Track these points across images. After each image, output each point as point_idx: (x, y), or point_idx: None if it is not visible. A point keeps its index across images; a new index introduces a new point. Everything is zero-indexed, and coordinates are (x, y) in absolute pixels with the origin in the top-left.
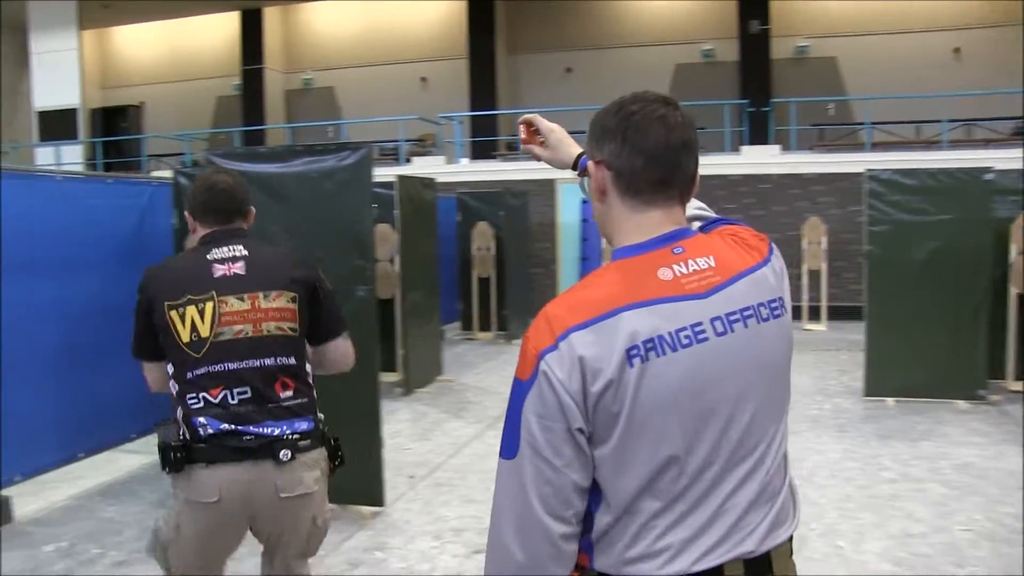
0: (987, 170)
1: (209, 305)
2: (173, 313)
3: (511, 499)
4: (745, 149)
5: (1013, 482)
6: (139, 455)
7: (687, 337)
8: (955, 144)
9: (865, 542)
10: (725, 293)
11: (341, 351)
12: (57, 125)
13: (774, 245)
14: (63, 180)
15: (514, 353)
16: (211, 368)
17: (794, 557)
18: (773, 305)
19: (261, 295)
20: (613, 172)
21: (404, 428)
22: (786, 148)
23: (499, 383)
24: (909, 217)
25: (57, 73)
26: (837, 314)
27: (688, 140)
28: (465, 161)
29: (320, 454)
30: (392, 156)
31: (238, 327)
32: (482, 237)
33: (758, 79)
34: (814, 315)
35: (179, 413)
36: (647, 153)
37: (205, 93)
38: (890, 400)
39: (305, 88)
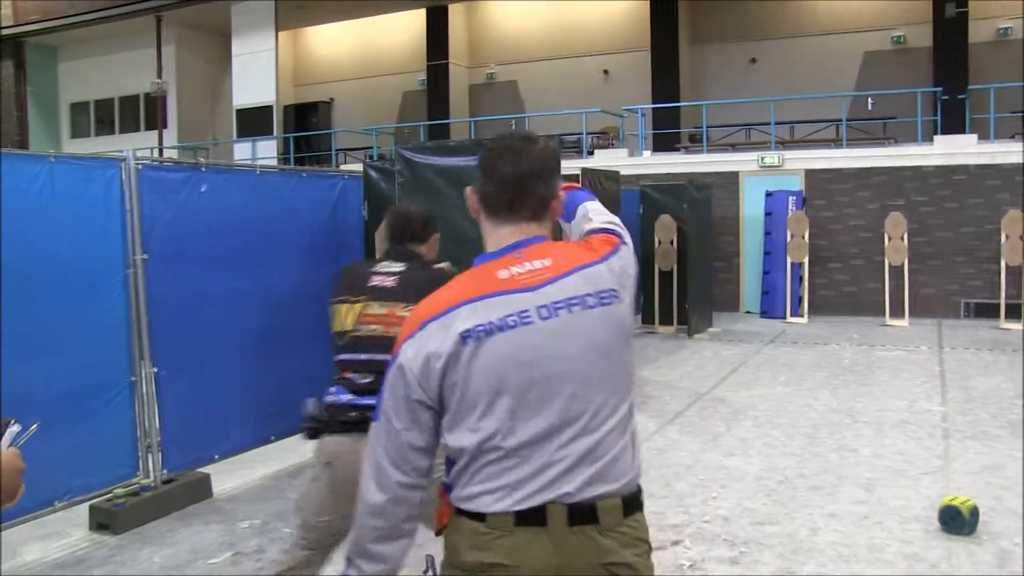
0: None
1: (358, 307)
2: (333, 307)
3: (371, 452)
4: (939, 139)
5: None
6: None
7: (513, 321)
8: None
9: None
10: (555, 285)
11: None
12: (254, 122)
13: (624, 247)
14: (261, 174)
15: (695, 348)
16: (348, 356)
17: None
18: (603, 295)
19: (401, 306)
20: (479, 197)
21: None
22: (983, 137)
23: (680, 378)
24: None
25: (255, 73)
26: None
27: (536, 169)
28: (647, 153)
29: None
30: (575, 149)
31: (373, 327)
32: (665, 230)
33: (953, 65)
34: (1013, 313)
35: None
36: (498, 181)
37: (391, 88)
38: None
39: (489, 82)
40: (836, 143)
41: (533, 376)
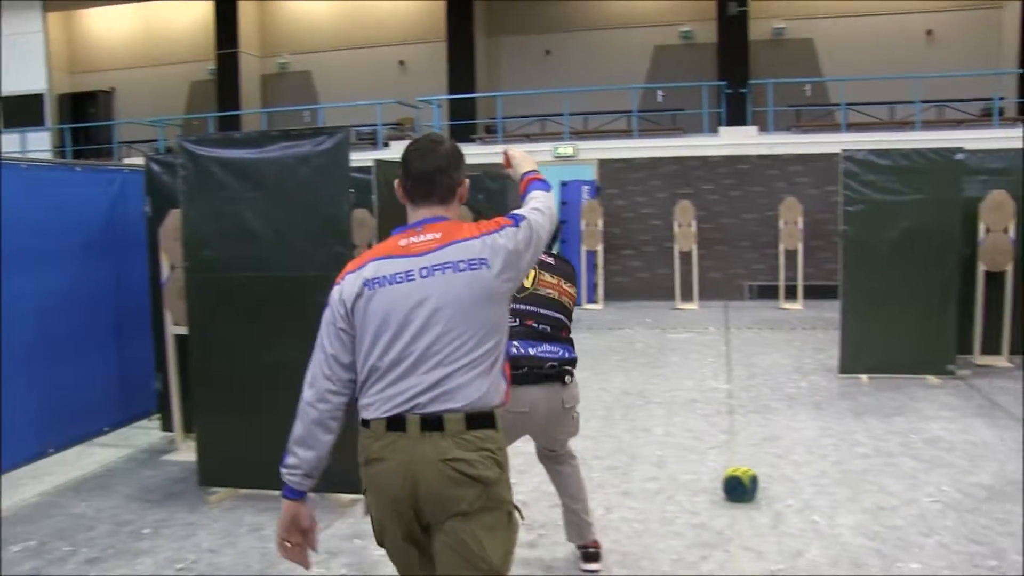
0: (958, 150)
1: (534, 272)
2: None
3: (310, 365)
4: (723, 130)
5: (979, 453)
6: (113, 448)
7: (400, 278)
8: (927, 125)
9: (839, 516)
10: (437, 253)
11: None
12: (23, 111)
13: (510, 228)
14: (28, 168)
15: None
16: (526, 307)
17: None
18: (472, 262)
19: (562, 280)
20: (401, 186)
21: None
22: (764, 129)
23: None
24: (883, 197)
25: (21, 56)
26: (813, 293)
27: (442, 166)
28: None
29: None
30: (370, 141)
31: (549, 290)
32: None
33: (736, 60)
34: (790, 294)
35: None
36: (412, 176)
37: (178, 78)
38: (864, 377)
39: (281, 72)
40: (628, 134)
41: (408, 318)
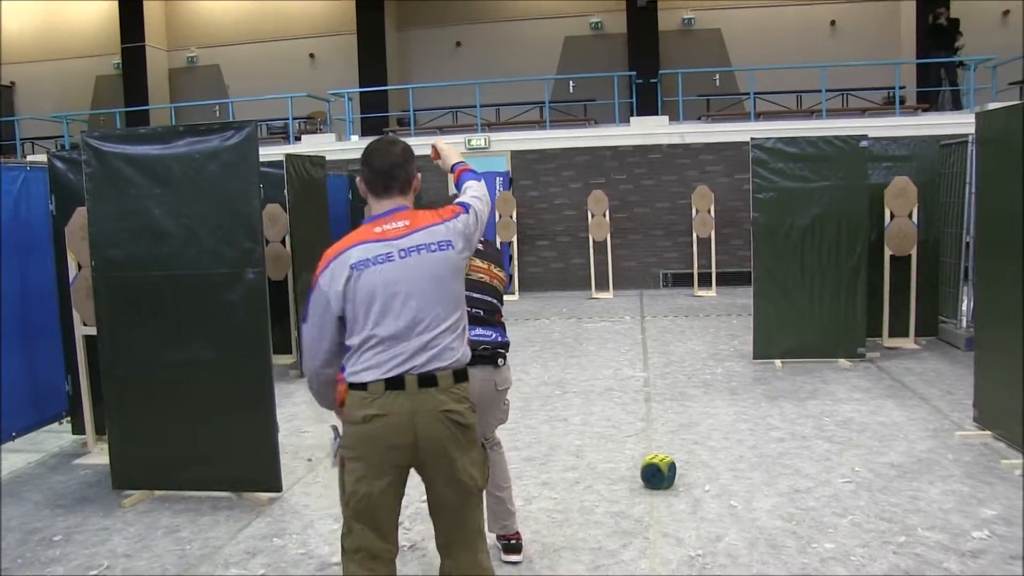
0: (862, 138)
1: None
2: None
3: (304, 342)
4: (635, 120)
5: (889, 433)
6: (23, 453)
7: (381, 259)
8: (833, 113)
9: (756, 500)
10: (410, 237)
11: None
12: None
13: (464, 215)
14: None
15: None
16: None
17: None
18: (441, 243)
19: (492, 264)
20: (363, 181)
21: (301, 411)
22: (674, 119)
23: None
24: (792, 184)
25: None
26: (727, 280)
27: (397, 162)
28: (355, 138)
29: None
30: (282, 135)
31: (480, 274)
32: None
33: (646, 51)
34: (704, 282)
35: None
36: (374, 171)
37: (83, 72)
38: (778, 362)
39: (190, 66)
40: (540, 125)
41: (394, 292)
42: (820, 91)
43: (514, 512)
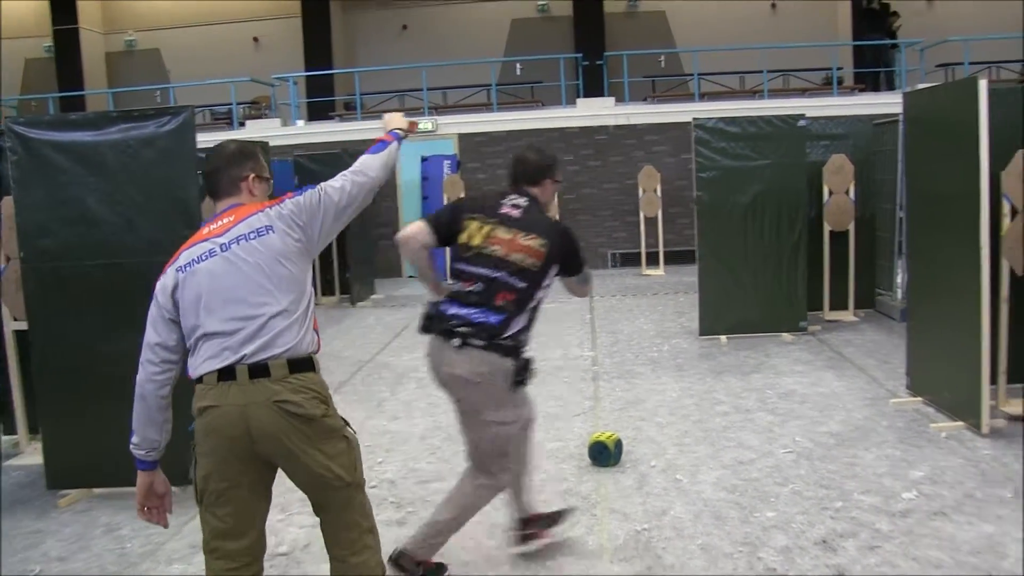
0: (800, 116)
1: (487, 228)
2: (466, 222)
3: (143, 344)
4: (581, 102)
5: (828, 403)
6: None
7: (203, 257)
8: (774, 93)
9: (701, 473)
10: (231, 231)
11: (572, 285)
12: None
13: (289, 201)
14: None
15: (359, 317)
16: (466, 267)
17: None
18: (260, 230)
19: (522, 235)
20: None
21: None
22: (620, 100)
23: (344, 347)
24: (733, 163)
25: None
26: (674, 259)
27: (217, 167)
28: (301, 123)
29: (493, 359)
30: (225, 120)
31: (495, 247)
32: None
33: (592, 33)
34: (652, 261)
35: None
36: (204, 177)
37: (11, 55)
38: (723, 337)
39: (128, 50)
40: (487, 107)
41: (218, 285)
42: (762, 72)
43: (430, 542)
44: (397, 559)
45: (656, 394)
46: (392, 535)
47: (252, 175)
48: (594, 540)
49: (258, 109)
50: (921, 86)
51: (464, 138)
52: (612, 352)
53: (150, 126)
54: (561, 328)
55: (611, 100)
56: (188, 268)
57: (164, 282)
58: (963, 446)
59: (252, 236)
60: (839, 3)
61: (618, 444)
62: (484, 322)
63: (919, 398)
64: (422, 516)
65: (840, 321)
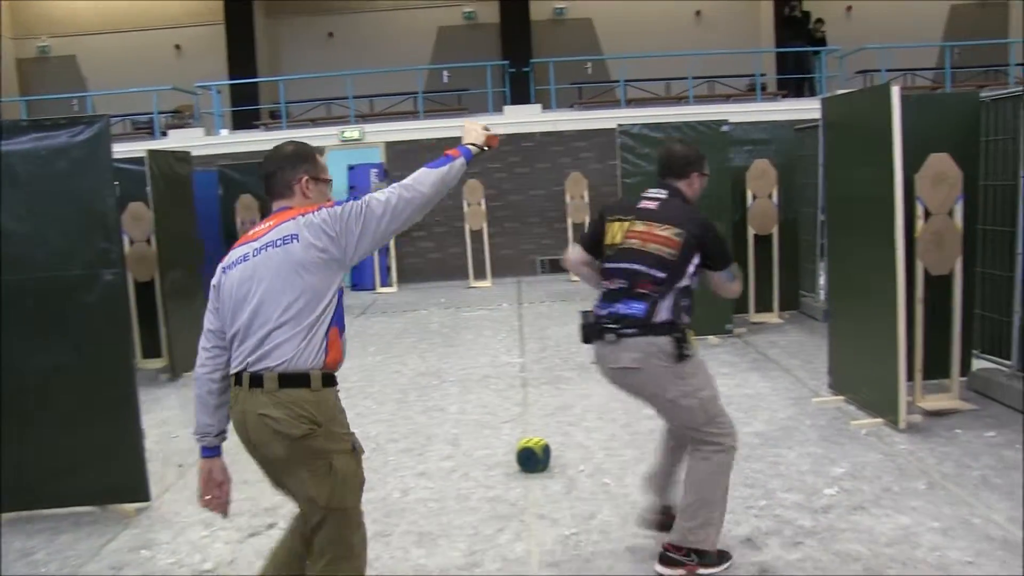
0: (723, 122)
1: (626, 223)
2: (607, 225)
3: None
4: (508, 109)
5: (753, 404)
6: None
7: (241, 259)
8: (700, 99)
9: (628, 477)
10: (265, 237)
11: (718, 282)
12: None
13: (325, 210)
14: None
15: None
16: (611, 264)
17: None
18: (285, 238)
19: (658, 225)
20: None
21: (172, 415)
22: (547, 107)
23: None
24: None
25: None
26: None
27: (272, 170)
28: (226, 132)
29: (646, 340)
30: (147, 130)
31: (633, 241)
32: (247, 210)
33: (518, 40)
34: None
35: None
36: (263, 178)
37: None
38: None
39: (42, 57)
40: (414, 115)
41: (246, 290)
42: (687, 78)
43: (681, 526)
44: (664, 553)
45: (584, 399)
46: (259, 545)
47: (306, 177)
48: (522, 547)
49: (181, 118)
50: (841, 92)
51: (391, 146)
52: (541, 358)
53: (62, 136)
54: (490, 336)
55: (538, 107)
56: (228, 269)
57: (215, 278)
58: (882, 442)
59: (278, 243)
60: (762, 11)
61: (546, 450)
62: (629, 313)
63: (840, 397)
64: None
65: (765, 323)
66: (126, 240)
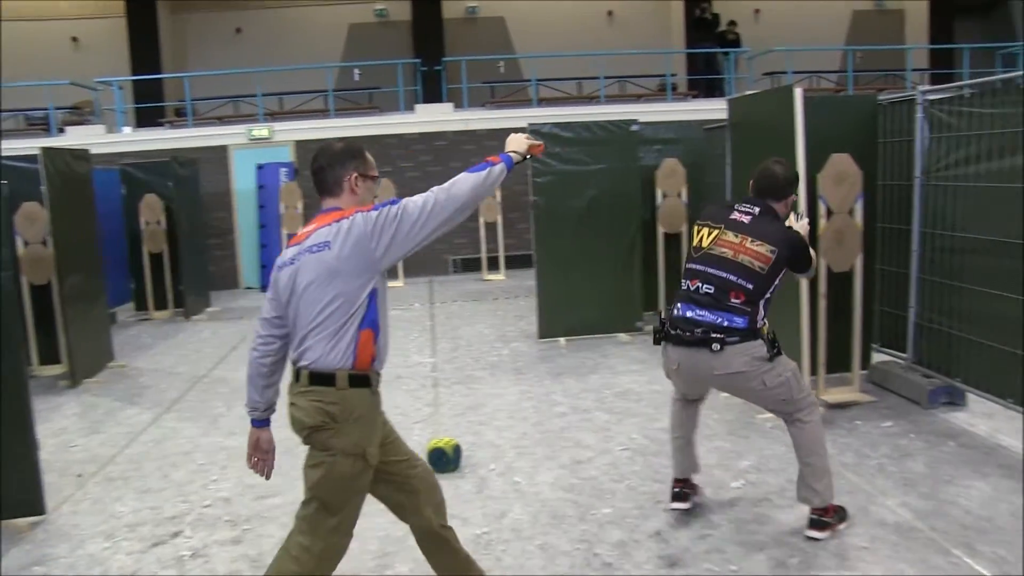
0: (633, 122)
1: (716, 231)
2: (695, 228)
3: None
4: (420, 108)
5: (662, 401)
6: None
7: (290, 260)
8: (611, 99)
9: (539, 474)
10: (307, 241)
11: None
12: None
13: (360, 215)
14: None
15: (193, 331)
16: (699, 266)
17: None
18: (319, 245)
19: (750, 239)
20: None
21: (71, 423)
22: (459, 105)
23: (177, 363)
24: (569, 167)
25: None
26: (515, 263)
27: (321, 166)
28: (128, 130)
29: (749, 346)
30: (42, 126)
31: (724, 249)
32: (151, 210)
33: (431, 38)
34: (493, 266)
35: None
36: (313, 175)
37: None
38: (562, 340)
39: None
40: (324, 114)
41: (292, 290)
42: (598, 78)
43: (817, 490)
44: (816, 519)
45: (495, 398)
46: (227, 554)
47: (355, 174)
48: None
49: (80, 115)
50: (748, 93)
51: (301, 145)
52: (452, 358)
53: None
54: (401, 335)
55: (450, 106)
56: (282, 266)
57: (273, 273)
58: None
59: (314, 250)
60: (673, 12)
61: (457, 449)
62: (732, 326)
63: None
64: (260, 533)
65: None
66: (20, 242)
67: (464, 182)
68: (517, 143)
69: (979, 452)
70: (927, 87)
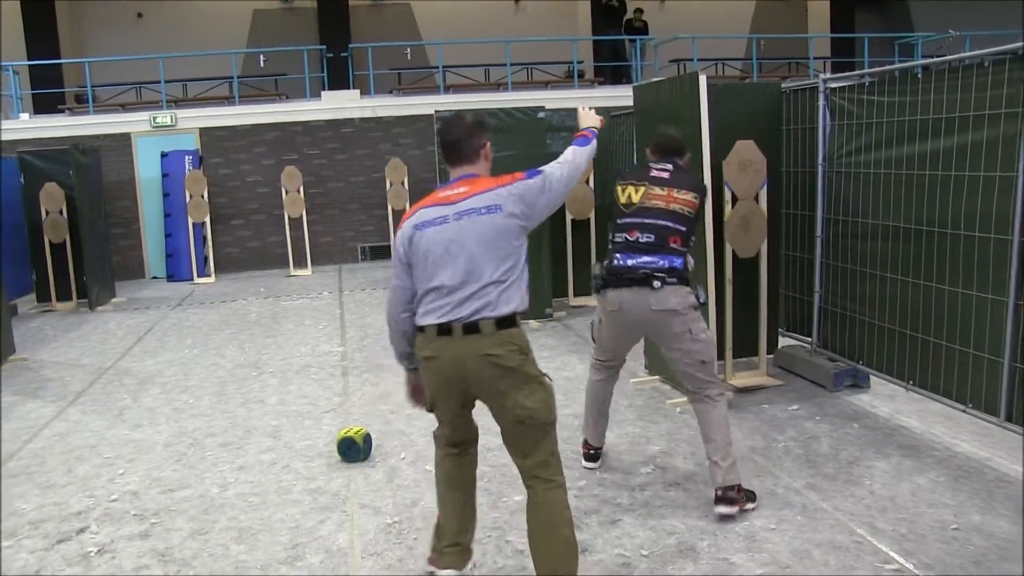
0: (540, 109)
1: (643, 187)
2: (619, 188)
3: (389, 291)
4: (326, 95)
5: (573, 387)
6: None
7: (439, 220)
8: (518, 86)
9: None
10: (465, 202)
11: None
12: None
13: (521, 182)
14: None
15: (98, 322)
16: (635, 219)
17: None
18: (490, 207)
19: (675, 190)
20: (442, 153)
21: None
22: (366, 92)
23: (81, 355)
24: None
25: None
26: None
27: (460, 137)
28: (25, 116)
29: (683, 288)
30: None
31: (656, 201)
32: (51, 200)
33: (336, 25)
34: None
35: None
36: (443, 144)
37: None
38: None
39: None
40: (229, 101)
41: (446, 251)
42: (505, 65)
43: (722, 466)
44: (722, 495)
45: (401, 386)
46: (135, 549)
47: (488, 143)
48: (345, 537)
49: None
50: (655, 79)
51: (206, 132)
52: (362, 346)
53: None
54: (310, 325)
55: (356, 92)
56: (424, 228)
57: (402, 234)
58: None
59: (483, 212)
60: (579, 0)
61: (367, 439)
62: (672, 266)
63: (656, 377)
64: (168, 527)
65: (585, 306)
66: None
67: (580, 154)
68: (591, 119)
69: (881, 433)
70: (829, 75)
